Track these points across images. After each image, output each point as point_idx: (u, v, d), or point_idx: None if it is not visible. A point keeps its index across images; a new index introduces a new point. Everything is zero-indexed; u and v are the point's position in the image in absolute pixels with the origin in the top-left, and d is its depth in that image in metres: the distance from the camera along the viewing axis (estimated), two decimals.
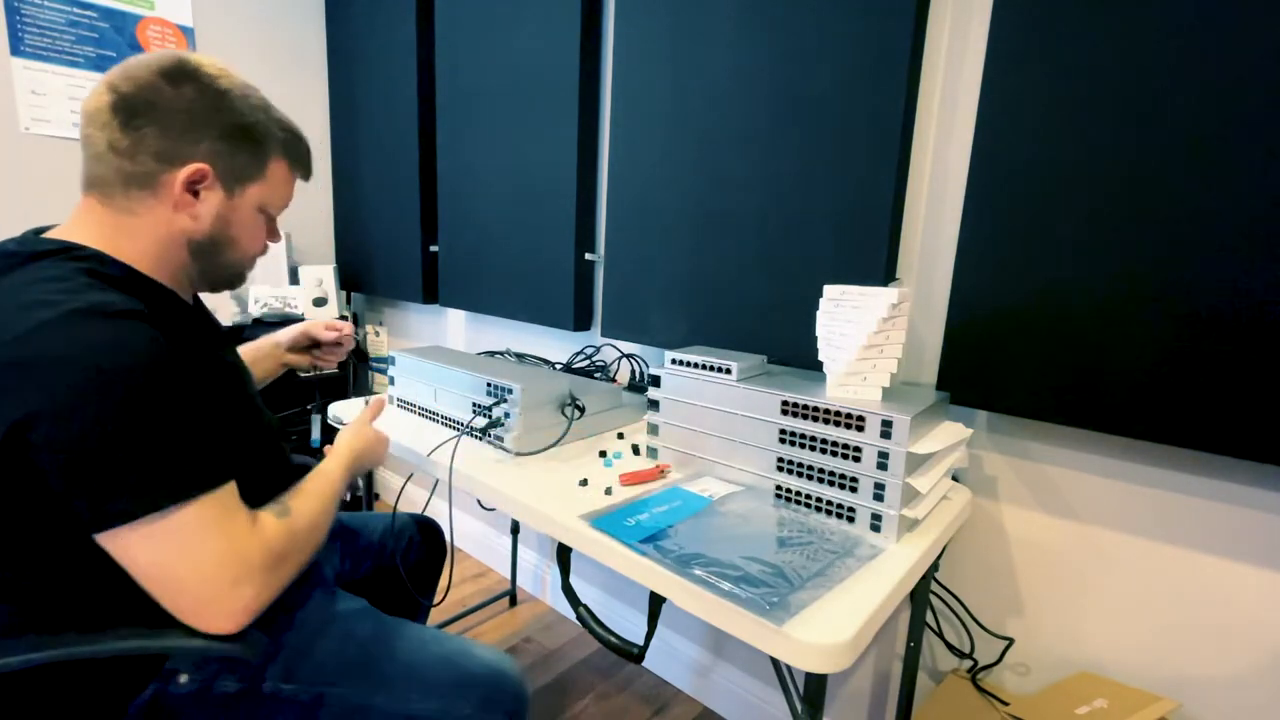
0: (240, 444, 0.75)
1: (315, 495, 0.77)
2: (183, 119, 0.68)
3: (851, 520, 0.84)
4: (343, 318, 2.22)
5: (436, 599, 1.21)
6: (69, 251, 0.66)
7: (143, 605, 0.61)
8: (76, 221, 0.70)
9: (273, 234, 0.84)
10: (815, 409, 0.86)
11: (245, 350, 1.07)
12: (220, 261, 0.77)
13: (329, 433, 1.95)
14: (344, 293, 2.35)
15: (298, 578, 0.72)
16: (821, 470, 0.86)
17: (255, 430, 0.82)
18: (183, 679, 0.70)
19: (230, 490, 0.65)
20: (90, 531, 0.58)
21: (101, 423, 0.56)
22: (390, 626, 0.83)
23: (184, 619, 0.61)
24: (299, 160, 0.81)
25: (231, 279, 0.82)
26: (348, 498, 2.31)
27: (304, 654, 0.76)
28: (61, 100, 1.84)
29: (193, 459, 0.61)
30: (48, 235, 0.69)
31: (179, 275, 0.75)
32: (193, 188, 0.71)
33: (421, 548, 1.15)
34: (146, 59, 0.69)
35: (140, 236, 0.71)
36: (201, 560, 0.61)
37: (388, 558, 1.09)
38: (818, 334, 0.91)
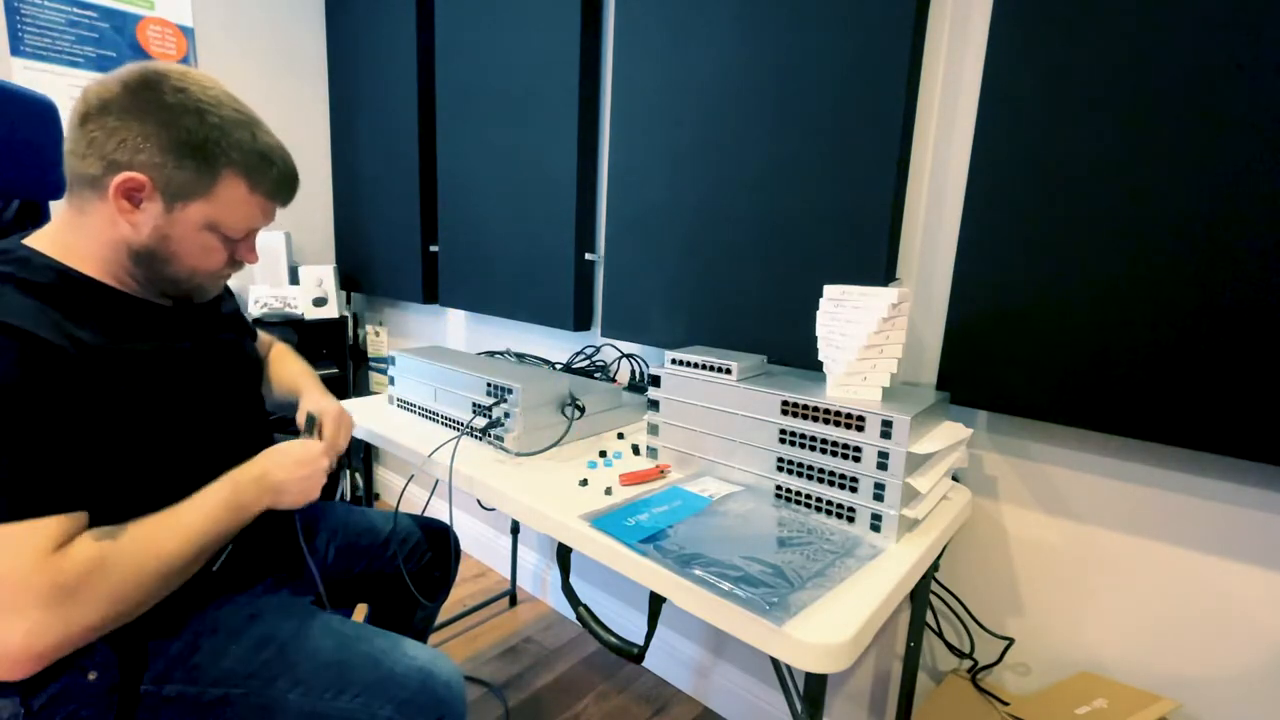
0: (146, 459, 0.72)
1: (168, 527, 0.69)
2: (129, 128, 0.69)
3: (851, 520, 0.84)
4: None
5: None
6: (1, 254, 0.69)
7: None
8: (53, 220, 0.74)
9: (245, 254, 0.82)
10: (815, 409, 0.86)
11: (286, 370, 1.06)
12: (163, 273, 0.76)
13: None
14: (344, 293, 2.35)
15: (215, 581, 0.71)
16: (821, 470, 0.86)
17: (193, 435, 0.78)
18: (91, 675, 0.69)
19: (34, 524, 0.59)
20: None
21: None
22: (318, 625, 0.83)
23: None
24: (262, 183, 0.77)
25: (181, 292, 0.80)
26: (347, 497, 2.31)
27: (215, 655, 0.76)
28: (62, 100, 1.83)
29: None
30: (27, 239, 0.73)
31: (126, 277, 0.76)
32: (131, 196, 0.71)
33: (428, 553, 1.14)
34: (126, 68, 0.71)
35: (87, 235, 0.73)
36: None
37: (388, 559, 1.09)
38: (818, 334, 0.91)
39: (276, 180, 0.79)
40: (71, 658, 0.64)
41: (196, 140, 0.71)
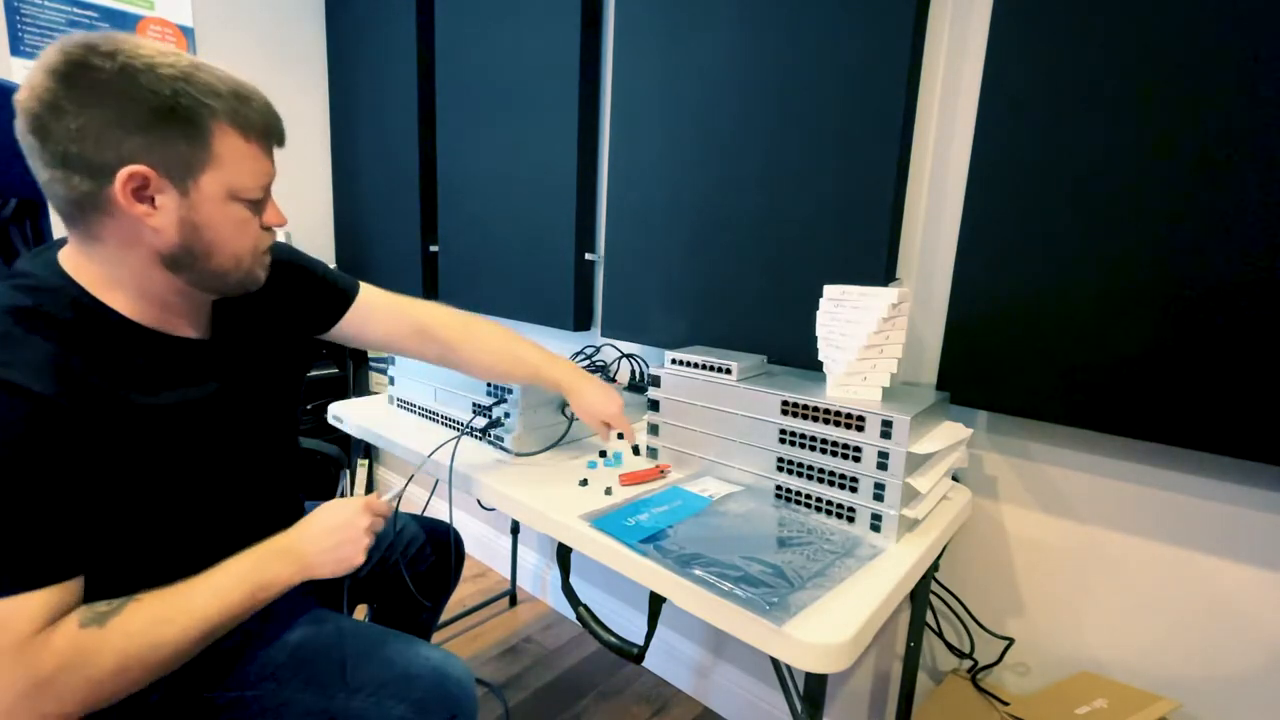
0: (158, 519, 0.67)
1: (171, 611, 0.63)
2: (94, 119, 0.57)
3: (851, 520, 0.84)
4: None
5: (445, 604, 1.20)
6: (26, 278, 0.63)
7: None
8: (70, 248, 0.66)
9: (272, 216, 0.72)
10: (815, 409, 0.86)
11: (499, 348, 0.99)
12: (208, 270, 0.67)
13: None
14: None
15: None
16: (821, 470, 0.86)
17: (211, 491, 0.72)
18: None
19: (12, 602, 0.54)
20: None
21: None
22: (331, 626, 0.82)
23: None
24: (251, 123, 0.65)
25: (232, 287, 0.71)
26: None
27: (230, 660, 0.76)
28: None
29: None
30: (63, 255, 0.66)
31: (168, 297, 0.68)
32: (141, 195, 0.60)
33: (432, 554, 1.14)
34: (41, 59, 0.59)
35: (109, 263, 0.64)
36: None
37: (392, 561, 1.09)
38: (818, 334, 0.91)
39: (262, 116, 0.67)
40: None
41: (165, 100, 0.59)
